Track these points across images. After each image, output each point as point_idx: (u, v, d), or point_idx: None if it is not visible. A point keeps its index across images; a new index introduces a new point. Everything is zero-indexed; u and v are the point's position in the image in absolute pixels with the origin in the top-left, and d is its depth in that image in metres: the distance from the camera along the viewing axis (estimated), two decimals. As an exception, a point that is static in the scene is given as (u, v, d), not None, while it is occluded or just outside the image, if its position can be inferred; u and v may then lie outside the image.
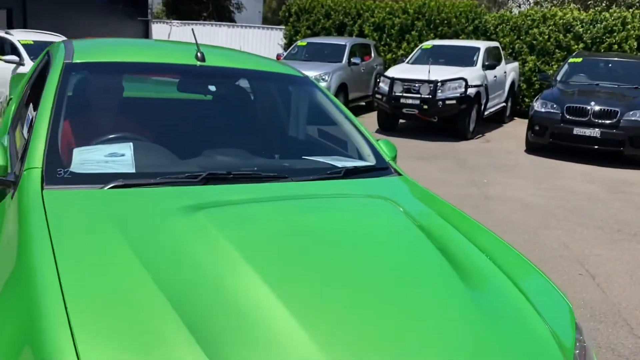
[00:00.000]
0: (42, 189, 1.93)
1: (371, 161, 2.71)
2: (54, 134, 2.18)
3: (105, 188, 1.98)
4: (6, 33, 10.71)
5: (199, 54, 2.73)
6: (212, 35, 18.94)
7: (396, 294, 1.58)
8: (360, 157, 2.75)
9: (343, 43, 12.59)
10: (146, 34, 20.82)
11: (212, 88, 2.96)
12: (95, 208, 1.86)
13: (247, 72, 2.98)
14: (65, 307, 1.28)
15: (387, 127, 10.86)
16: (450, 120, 10.33)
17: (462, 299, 1.63)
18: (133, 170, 2.14)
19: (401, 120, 11.12)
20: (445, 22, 14.32)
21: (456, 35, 14.10)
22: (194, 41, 2.81)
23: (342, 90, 11.70)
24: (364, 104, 13.27)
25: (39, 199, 1.86)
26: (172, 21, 20.78)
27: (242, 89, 3.12)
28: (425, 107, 9.97)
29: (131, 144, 2.33)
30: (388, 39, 14.89)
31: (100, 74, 2.68)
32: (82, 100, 2.62)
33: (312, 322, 1.39)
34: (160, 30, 20.22)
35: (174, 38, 19.40)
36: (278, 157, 2.68)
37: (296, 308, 1.43)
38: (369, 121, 11.54)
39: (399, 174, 2.65)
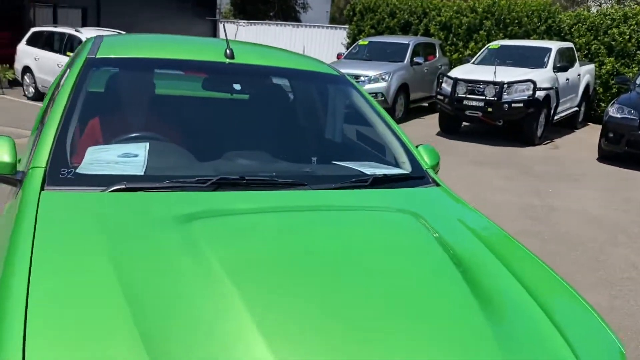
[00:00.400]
0: (43, 189, 1.84)
1: (406, 169, 2.46)
2: (64, 132, 2.08)
3: (107, 191, 1.86)
4: (76, 31, 11.11)
5: (227, 51, 2.58)
6: (276, 35, 19.00)
7: (401, 331, 1.35)
8: (396, 164, 2.51)
9: (406, 42, 12.24)
10: (214, 33, 21.19)
11: (237, 87, 2.80)
12: (88, 213, 1.73)
13: (278, 70, 2.80)
14: (26, 308, 1.27)
15: (449, 129, 10.44)
16: (516, 125, 9.80)
17: (481, 335, 1.39)
18: (141, 173, 2.01)
19: (464, 123, 10.68)
20: (516, 21, 13.66)
21: (527, 36, 13.42)
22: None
23: (403, 90, 11.37)
24: (426, 105, 12.87)
25: (35, 200, 1.76)
26: (239, 21, 21.02)
27: (276, 87, 2.94)
28: (490, 109, 9.50)
29: (147, 144, 2.21)
30: (455, 39, 14.38)
31: (122, 70, 2.58)
32: (101, 97, 2.53)
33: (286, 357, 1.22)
34: (227, 30, 20.47)
35: (240, 38, 19.63)
36: (305, 161, 2.48)
37: (274, 339, 1.25)
38: (431, 123, 11.15)
39: (437, 184, 2.40)
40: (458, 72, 10.25)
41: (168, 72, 2.81)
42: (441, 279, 1.61)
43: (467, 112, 9.79)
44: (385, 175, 2.31)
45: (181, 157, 2.28)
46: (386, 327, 1.36)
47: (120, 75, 2.61)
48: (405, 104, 11.59)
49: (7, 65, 12.26)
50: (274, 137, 2.63)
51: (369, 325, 1.35)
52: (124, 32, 11.08)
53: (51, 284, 1.37)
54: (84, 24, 16.11)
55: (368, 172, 2.32)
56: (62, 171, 1.93)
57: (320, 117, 3.02)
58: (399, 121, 11.43)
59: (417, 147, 2.68)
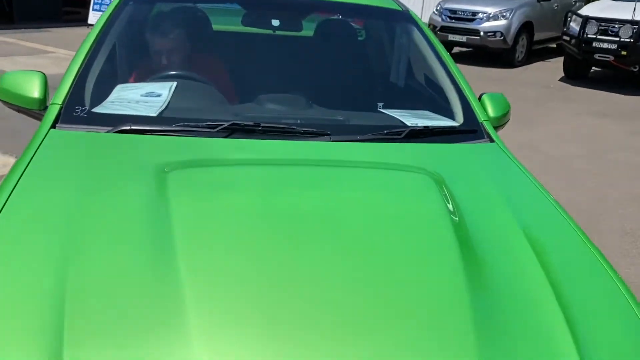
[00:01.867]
0: (54, 126, 1.83)
1: (458, 120, 2.16)
2: (86, 69, 2.04)
3: (112, 132, 1.80)
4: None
5: None
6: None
7: (367, 327, 1.14)
8: (451, 114, 2.21)
9: (535, -26, 11.05)
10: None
11: (276, 23, 2.58)
12: (83, 154, 1.71)
13: (331, 5, 2.55)
14: None
15: (575, 75, 9.41)
16: (655, 71, 8.58)
17: (462, 345, 1.14)
18: (154, 114, 1.92)
19: (593, 68, 9.56)
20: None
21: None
22: None
23: (526, 29, 10.37)
24: (554, 46, 11.69)
25: (41, 137, 1.76)
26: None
27: (329, 24, 2.69)
28: (624, 53, 8.36)
29: (174, 84, 2.11)
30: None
31: (160, 5, 2.47)
32: (135, 33, 2.45)
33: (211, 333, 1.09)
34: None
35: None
36: (344, 108, 2.24)
37: (204, 309, 1.13)
38: (556, 67, 10.14)
39: (492, 140, 2.07)
40: (590, 9, 9.09)
41: (211, 7, 2.66)
42: (429, 265, 1.35)
43: (596, 56, 8.70)
44: (426, 127, 2.02)
45: (208, 99, 2.16)
46: (349, 315, 1.16)
47: (158, 10, 2.52)
48: (527, 45, 10.59)
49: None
50: (317, 81, 2.41)
51: (329, 309, 1.17)
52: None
53: (11, 221, 1.37)
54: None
55: (409, 123, 2.05)
56: (76, 109, 1.90)
57: (373, 59, 2.74)
58: (519, 64, 10.51)
59: (480, 96, 2.34)
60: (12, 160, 4.11)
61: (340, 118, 2.12)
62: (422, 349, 1.11)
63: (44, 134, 1.78)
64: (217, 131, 1.82)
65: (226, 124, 1.84)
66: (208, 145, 1.78)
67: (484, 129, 2.12)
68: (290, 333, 1.10)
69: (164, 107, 1.97)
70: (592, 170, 5.20)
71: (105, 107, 1.94)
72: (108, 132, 1.80)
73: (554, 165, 5.17)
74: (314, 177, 1.68)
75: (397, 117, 2.10)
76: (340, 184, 1.67)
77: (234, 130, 1.84)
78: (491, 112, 2.25)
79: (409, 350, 1.11)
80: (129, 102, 2.00)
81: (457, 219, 1.51)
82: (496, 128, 2.24)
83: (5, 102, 2.09)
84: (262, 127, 1.86)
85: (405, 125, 2.02)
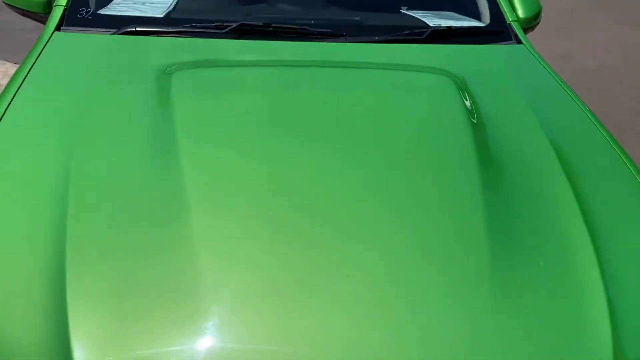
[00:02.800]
0: (58, 29, 1.77)
1: (484, 21, 2.01)
2: None
3: (117, 34, 1.73)
4: None
5: None
6: None
7: (371, 238, 1.09)
8: (478, 15, 2.06)
9: None
10: None
11: None
12: (86, 57, 1.66)
13: None
14: None
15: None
16: None
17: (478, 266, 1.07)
18: (160, 15, 1.83)
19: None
20: None
21: None
22: None
23: None
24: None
25: (45, 40, 1.70)
26: None
27: None
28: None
29: None
30: None
31: None
32: None
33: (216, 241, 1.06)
34: None
35: None
36: (365, 9, 2.10)
37: (206, 208, 1.10)
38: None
39: (519, 42, 1.94)
40: None
41: None
42: (444, 168, 1.28)
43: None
44: (450, 27, 1.89)
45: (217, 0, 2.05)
46: (358, 218, 1.11)
47: None
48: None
49: None
50: None
51: (338, 211, 1.12)
52: None
53: (15, 122, 1.35)
54: None
55: (431, 24, 1.92)
56: (80, 11, 1.82)
57: None
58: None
59: (510, -6, 2.16)
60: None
61: (358, 19, 2.00)
62: (434, 255, 1.07)
63: (48, 36, 1.72)
64: (226, 32, 1.74)
65: (235, 25, 1.74)
66: (216, 47, 1.70)
67: (512, 30, 1.98)
68: (294, 234, 1.06)
69: (170, 7, 1.88)
70: (628, 83, 4.95)
71: (110, 9, 1.87)
72: (113, 34, 1.73)
73: (588, 77, 4.93)
74: (325, 78, 1.60)
75: (420, 17, 1.97)
76: (353, 84, 1.58)
77: (244, 32, 1.75)
78: (520, 12, 2.09)
79: (419, 253, 1.07)
80: (134, 3, 1.92)
81: (475, 120, 1.42)
82: (525, 30, 2.09)
83: (10, 6, 2.02)
84: (273, 27, 1.76)
85: (427, 26, 1.89)
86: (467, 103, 1.49)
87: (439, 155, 1.31)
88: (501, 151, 1.35)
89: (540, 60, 1.85)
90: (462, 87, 1.56)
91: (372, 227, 1.09)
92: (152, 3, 1.90)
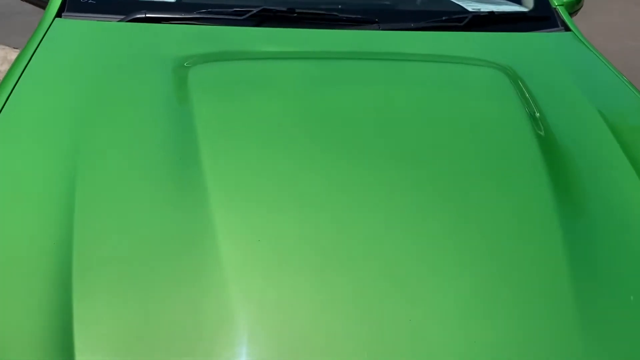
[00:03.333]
0: (59, 15, 1.59)
1: (527, 5, 1.83)
2: None
3: (125, 21, 1.55)
4: None
5: None
6: None
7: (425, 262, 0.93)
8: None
9: None
10: None
11: None
12: (91, 47, 1.49)
13: None
14: None
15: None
16: None
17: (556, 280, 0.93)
18: (173, 0, 1.65)
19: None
20: None
21: None
22: None
23: None
24: None
25: (45, 28, 1.53)
26: None
27: None
28: None
29: None
30: None
31: None
32: None
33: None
34: None
35: None
36: None
37: (231, 226, 0.95)
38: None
39: (567, 29, 1.76)
40: None
41: None
42: (510, 179, 1.11)
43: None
44: (492, 13, 1.71)
45: None
46: (406, 245, 0.95)
47: None
48: None
49: None
50: None
51: (384, 236, 0.96)
52: None
53: (14, 120, 1.20)
54: None
55: (470, 9, 1.74)
56: None
57: None
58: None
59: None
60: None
61: (390, 3, 1.82)
62: (514, 299, 0.90)
63: (48, 23, 1.55)
64: (245, 19, 1.56)
65: (255, 10, 1.57)
66: (235, 36, 1.52)
67: (558, 15, 1.80)
68: (339, 276, 0.90)
69: None
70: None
71: None
72: (120, 21, 1.56)
73: (611, 60, 4.73)
74: (361, 72, 1.42)
75: (457, 1, 1.79)
76: (394, 80, 1.40)
77: (265, 18, 1.58)
78: None
79: (494, 297, 0.90)
80: None
81: (539, 120, 1.25)
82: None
83: None
84: (298, 13, 1.59)
85: (466, 11, 1.71)
86: (528, 102, 1.31)
87: (502, 163, 1.14)
88: (574, 164, 1.17)
89: (592, 50, 1.67)
90: (518, 82, 1.39)
91: (439, 272, 0.92)
92: None
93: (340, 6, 1.68)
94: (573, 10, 2.00)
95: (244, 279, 0.87)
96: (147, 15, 1.54)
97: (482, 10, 1.73)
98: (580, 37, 1.72)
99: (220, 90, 1.28)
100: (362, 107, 1.25)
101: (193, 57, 1.37)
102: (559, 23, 1.78)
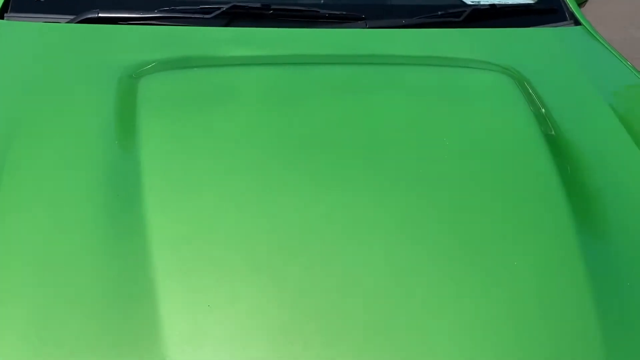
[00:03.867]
0: (1, 16, 1.42)
1: (533, -2, 1.65)
2: None
3: (75, 21, 1.37)
4: None
5: None
6: None
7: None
8: None
9: None
10: None
11: None
12: (35, 52, 1.31)
13: None
14: None
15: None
16: None
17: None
18: None
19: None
20: None
21: None
22: None
23: None
24: None
25: None
26: None
27: None
28: None
29: None
30: None
31: None
32: None
33: None
34: None
35: None
36: None
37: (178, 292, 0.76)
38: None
39: (577, 23, 1.57)
40: None
41: None
42: (523, 206, 0.94)
43: None
44: (493, 5, 1.52)
45: None
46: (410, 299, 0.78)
47: None
48: None
49: None
50: None
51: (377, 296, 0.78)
52: None
53: None
54: None
55: (469, 1, 1.56)
56: None
57: None
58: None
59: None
60: None
61: None
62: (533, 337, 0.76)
63: None
64: (213, 18, 1.37)
65: (225, 7, 1.38)
66: (199, 37, 1.34)
67: (567, 8, 1.62)
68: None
69: None
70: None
71: None
72: (70, 22, 1.37)
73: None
74: (346, 80, 1.23)
75: None
76: (384, 89, 1.20)
77: (236, 16, 1.39)
78: None
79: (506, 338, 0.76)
80: None
81: (553, 132, 1.08)
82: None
83: None
84: (274, 10, 1.40)
85: (465, 4, 1.53)
86: (538, 110, 1.14)
87: (514, 185, 0.98)
88: (592, 173, 1.03)
89: (606, 45, 1.49)
90: (526, 86, 1.21)
91: (446, 317, 0.76)
92: None
93: (322, 1, 1.50)
94: (580, 1, 1.82)
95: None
96: (100, 15, 1.35)
97: (482, 3, 1.54)
98: (591, 31, 1.54)
99: (173, 107, 1.08)
100: (348, 125, 1.05)
101: (145, 65, 1.18)
102: (567, 16, 1.59)
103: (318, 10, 1.41)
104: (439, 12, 1.46)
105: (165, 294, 0.74)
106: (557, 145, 1.06)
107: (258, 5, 1.39)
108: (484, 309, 0.77)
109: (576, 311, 0.79)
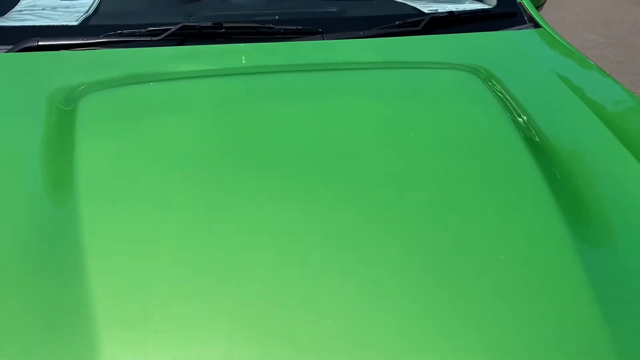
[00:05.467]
0: None
1: (490, 2, 1.63)
2: None
3: (14, 51, 1.28)
4: None
5: None
6: None
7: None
8: None
9: None
10: None
11: None
12: None
13: None
14: None
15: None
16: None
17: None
18: (75, 23, 1.39)
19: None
20: None
21: None
22: None
23: None
24: None
25: None
26: None
27: None
28: None
29: None
30: None
31: None
32: None
33: None
34: None
35: None
36: None
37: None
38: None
39: (536, 25, 1.56)
40: None
41: None
42: (510, 194, 0.90)
43: None
44: (451, 13, 1.49)
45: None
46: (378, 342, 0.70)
47: None
48: None
49: None
50: None
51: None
52: None
53: None
54: None
55: (427, 10, 1.53)
56: None
57: None
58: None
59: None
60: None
61: (335, 10, 1.58)
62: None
63: None
64: (163, 39, 1.30)
65: (174, 29, 1.31)
66: (147, 56, 1.27)
67: (525, 10, 1.60)
68: None
69: (90, 12, 1.44)
70: (615, 58, 4.67)
71: (8, 19, 1.41)
72: (8, 52, 1.28)
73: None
74: (302, 85, 1.17)
75: (410, 4, 1.57)
76: (346, 90, 1.15)
77: (187, 37, 1.32)
78: None
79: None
80: (43, 9, 1.47)
81: (525, 125, 1.06)
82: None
83: None
84: (226, 28, 1.34)
85: (422, 13, 1.49)
86: (510, 106, 1.11)
87: (494, 188, 0.92)
88: (575, 167, 0.99)
89: (568, 46, 1.48)
90: (495, 85, 1.18)
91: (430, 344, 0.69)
92: (67, 9, 1.46)
93: (276, 17, 1.45)
94: (538, 4, 1.81)
95: None
96: (40, 43, 1.27)
97: (439, 10, 1.51)
98: (553, 34, 1.53)
99: (110, 123, 1.00)
100: (305, 130, 0.99)
101: (84, 86, 1.10)
102: (526, 19, 1.57)
103: (272, 26, 1.36)
104: (397, 22, 1.42)
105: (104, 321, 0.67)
106: (532, 138, 1.03)
107: (209, 24, 1.33)
108: (472, 310, 0.72)
109: (571, 310, 0.74)
